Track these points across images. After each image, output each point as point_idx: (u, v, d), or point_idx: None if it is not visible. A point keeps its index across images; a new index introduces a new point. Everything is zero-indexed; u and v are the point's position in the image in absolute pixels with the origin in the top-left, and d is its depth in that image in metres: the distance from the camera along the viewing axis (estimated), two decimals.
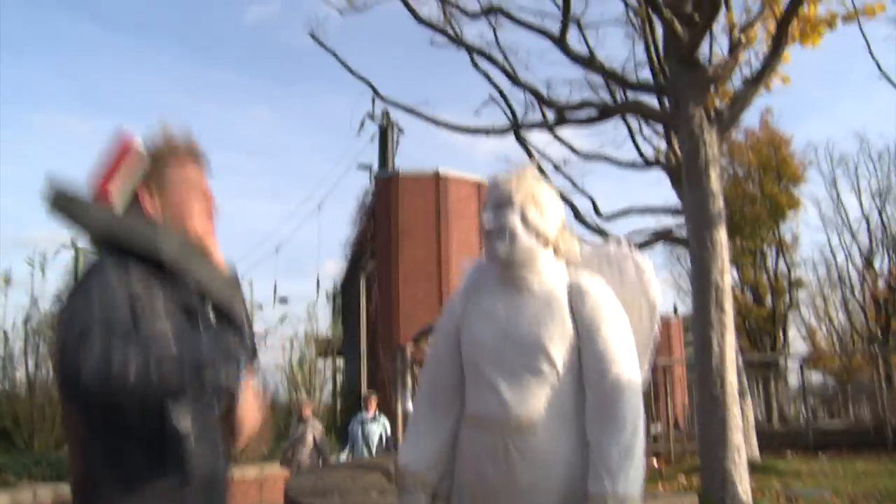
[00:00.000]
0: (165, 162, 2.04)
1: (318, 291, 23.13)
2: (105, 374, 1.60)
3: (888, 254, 25.61)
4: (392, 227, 19.81)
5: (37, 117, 52.31)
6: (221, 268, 2.11)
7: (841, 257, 27.41)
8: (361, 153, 41.10)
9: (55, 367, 1.71)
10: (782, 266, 25.64)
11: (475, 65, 10.26)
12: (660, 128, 10.39)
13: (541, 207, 2.41)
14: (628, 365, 2.31)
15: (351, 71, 9.69)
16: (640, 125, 11.19)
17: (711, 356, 6.45)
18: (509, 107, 10.21)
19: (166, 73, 57.74)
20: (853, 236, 26.49)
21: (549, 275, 2.44)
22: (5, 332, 14.55)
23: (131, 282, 1.82)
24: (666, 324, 23.99)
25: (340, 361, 22.31)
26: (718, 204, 6.87)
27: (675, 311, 27.24)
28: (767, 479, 8.97)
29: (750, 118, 26.39)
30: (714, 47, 8.61)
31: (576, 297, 2.37)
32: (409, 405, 5.47)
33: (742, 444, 6.39)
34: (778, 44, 7.16)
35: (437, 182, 20.11)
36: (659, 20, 7.50)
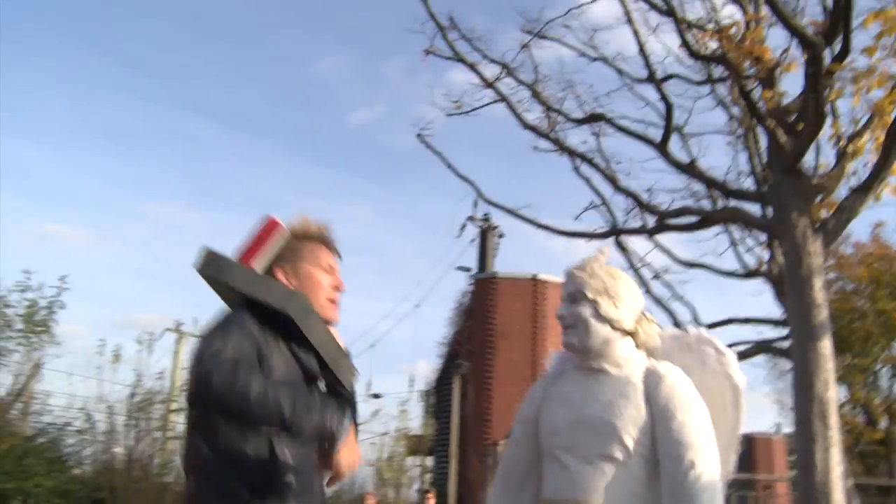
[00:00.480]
0: (299, 241, 2.35)
1: (411, 388, 23.16)
2: (231, 386, 1.87)
3: None
4: (488, 328, 19.83)
5: (146, 206, 55.55)
6: (338, 338, 2.35)
7: None
8: (460, 256, 41.54)
9: (191, 380, 1.97)
10: None
11: (577, 170, 10.43)
12: (762, 237, 10.25)
13: (614, 298, 2.49)
14: (704, 452, 2.28)
15: (456, 172, 9.99)
16: (742, 234, 11.07)
17: (815, 473, 6.16)
18: (610, 213, 10.27)
19: (273, 169, 60.62)
20: None
21: (626, 362, 2.47)
22: (110, 407, 15.13)
23: (261, 333, 2.09)
24: (768, 442, 22.88)
25: (431, 460, 22.13)
26: (822, 314, 6.70)
27: (779, 429, 25.99)
28: None
29: (860, 231, 25.52)
30: (820, 156, 8.52)
31: (651, 382, 2.39)
32: None
33: None
34: (887, 154, 7.05)
35: (535, 285, 20.14)
36: (762, 129, 7.53)
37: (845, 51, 7.05)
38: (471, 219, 23.05)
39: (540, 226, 9.48)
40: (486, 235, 23.23)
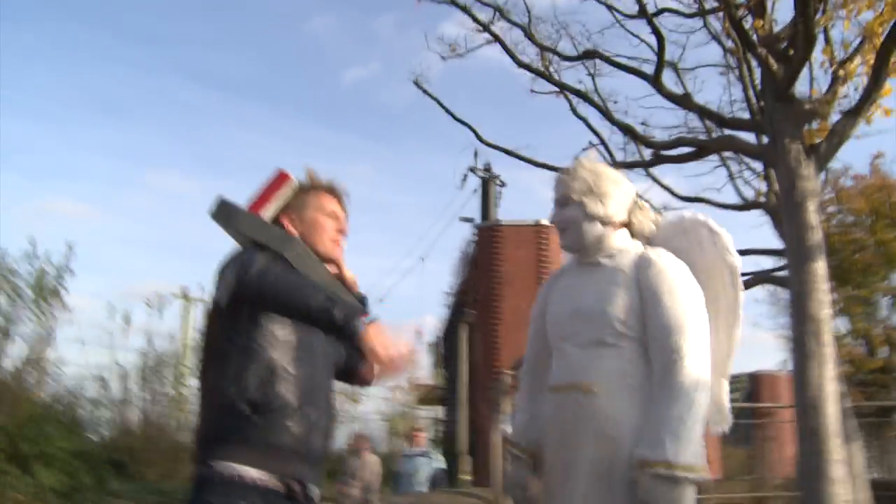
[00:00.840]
0: (306, 192, 2.57)
1: (420, 341, 23.45)
2: (264, 276, 2.17)
3: None
4: (494, 276, 19.95)
5: (146, 176, 55.34)
6: (350, 280, 2.57)
7: None
8: (462, 208, 41.50)
9: (223, 279, 2.27)
10: None
11: (574, 111, 10.45)
12: (759, 168, 10.29)
13: (600, 196, 2.59)
14: (691, 336, 2.35)
15: (453, 116, 9.98)
16: (740, 167, 11.11)
17: (809, 388, 6.29)
18: (608, 151, 10.28)
19: (271, 133, 60.29)
20: None
21: (619, 253, 2.58)
22: (124, 371, 15.39)
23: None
24: (773, 379, 23.05)
25: (441, 410, 22.43)
26: (816, 236, 6.78)
27: (785, 366, 26.09)
28: None
29: (860, 164, 25.44)
30: (814, 84, 8.51)
31: (642, 268, 2.50)
32: (508, 431, 5.57)
33: (846, 480, 6.18)
34: (877, 76, 7.07)
35: (538, 232, 20.21)
36: (754, 58, 7.54)
37: None
38: (472, 169, 23.03)
39: (538, 164, 9.50)
40: (488, 185, 23.21)
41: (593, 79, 9.64)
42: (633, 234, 2.69)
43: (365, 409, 19.84)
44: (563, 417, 2.50)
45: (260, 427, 2.15)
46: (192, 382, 16.15)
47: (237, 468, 2.13)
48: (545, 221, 20.39)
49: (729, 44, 9.78)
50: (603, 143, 10.27)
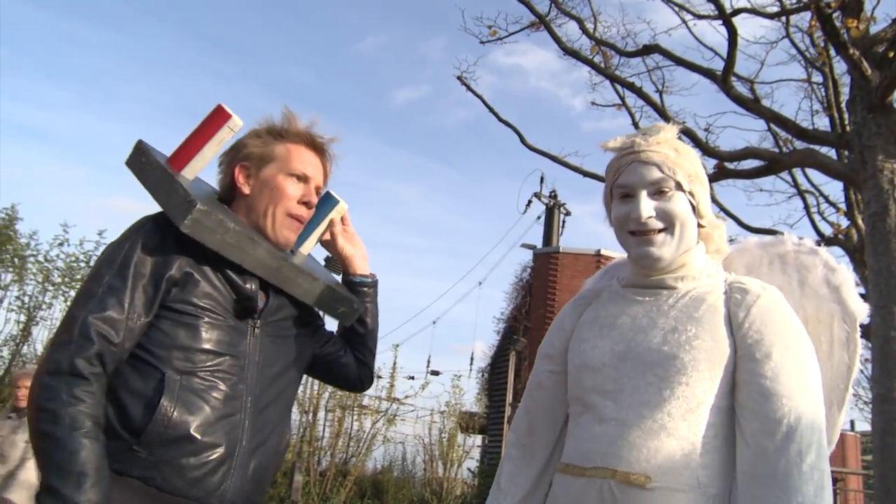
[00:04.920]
0: (275, 140, 1.90)
1: (471, 367, 22.57)
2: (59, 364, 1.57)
3: None
4: (547, 304, 19.07)
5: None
6: (345, 256, 2.05)
7: None
8: (525, 235, 40.94)
9: None
10: None
11: (635, 125, 9.59)
12: (840, 201, 9.22)
13: (704, 186, 1.66)
14: (810, 413, 1.43)
15: (498, 117, 9.18)
16: (817, 201, 10.05)
17: (894, 455, 5.14)
18: None
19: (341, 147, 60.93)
20: None
21: (699, 274, 1.62)
22: None
23: (180, 245, 1.72)
24: (840, 439, 21.39)
25: (482, 439, 21.58)
26: None
27: (853, 426, 24.21)
28: None
29: None
30: None
31: (737, 303, 1.53)
32: None
33: None
34: None
35: (598, 261, 19.27)
36: (845, 62, 6.47)
37: None
38: (536, 195, 22.78)
39: (585, 173, 8.56)
40: (552, 212, 22.76)
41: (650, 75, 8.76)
42: (707, 252, 1.72)
43: (403, 431, 19.15)
44: None
45: (145, 463, 1.60)
46: None
47: None
48: (606, 251, 19.40)
49: (811, 52, 8.77)
50: None
